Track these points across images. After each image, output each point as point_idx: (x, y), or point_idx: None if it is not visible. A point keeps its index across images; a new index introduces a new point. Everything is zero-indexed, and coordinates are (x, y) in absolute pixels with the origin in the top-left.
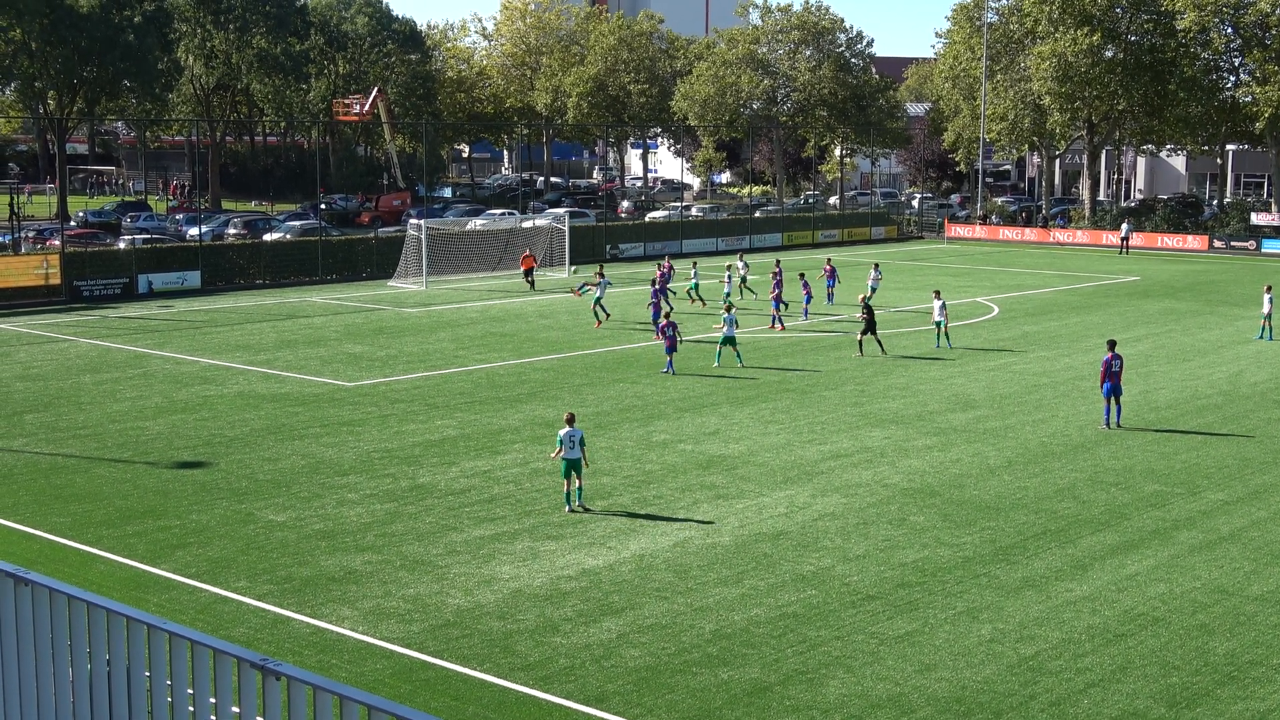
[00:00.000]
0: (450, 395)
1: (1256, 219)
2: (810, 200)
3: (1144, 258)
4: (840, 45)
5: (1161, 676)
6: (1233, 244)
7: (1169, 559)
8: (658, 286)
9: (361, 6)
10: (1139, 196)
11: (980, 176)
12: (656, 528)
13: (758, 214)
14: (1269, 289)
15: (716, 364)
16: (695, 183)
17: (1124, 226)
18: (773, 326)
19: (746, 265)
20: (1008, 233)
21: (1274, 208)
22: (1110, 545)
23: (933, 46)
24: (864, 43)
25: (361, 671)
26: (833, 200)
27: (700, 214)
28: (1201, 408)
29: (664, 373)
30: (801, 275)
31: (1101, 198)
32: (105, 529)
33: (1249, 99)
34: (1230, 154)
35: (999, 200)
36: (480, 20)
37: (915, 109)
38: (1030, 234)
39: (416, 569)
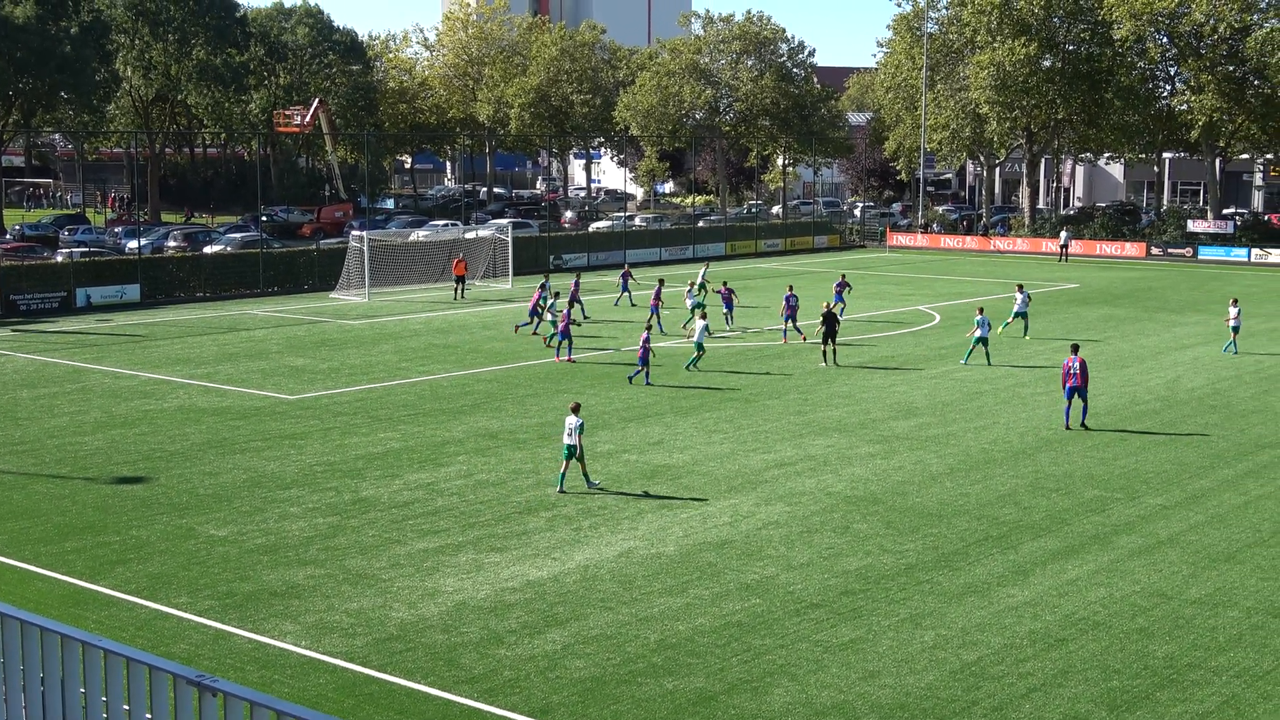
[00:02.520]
0: (393, 407)
1: (1193, 226)
2: (753, 210)
3: (1083, 265)
4: (782, 55)
5: (1102, 680)
6: (1170, 251)
7: (1109, 563)
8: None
9: (302, 17)
10: (1078, 204)
11: (921, 185)
12: (601, 538)
13: (701, 223)
14: (1235, 302)
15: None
16: (639, 193)
17: (1063, 234)
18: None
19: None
20: (949, 241)
21: (1210, 215)
22: (1051, 550)
23: (874, 56)
24: (806, 53)
25: (304, 687)
26: (776, 209)
27: (644, 224)
28: (1140, 413)
29: (631, 379)
30: (725, 284)
31: (1041, 206)
32: (43, 546)
33: (1184, 108)
34: (1167, 162)
35: (940, 209)
36: (422, 31)
37: (857, 118)
38: (971, 242)
39: (360, 583)
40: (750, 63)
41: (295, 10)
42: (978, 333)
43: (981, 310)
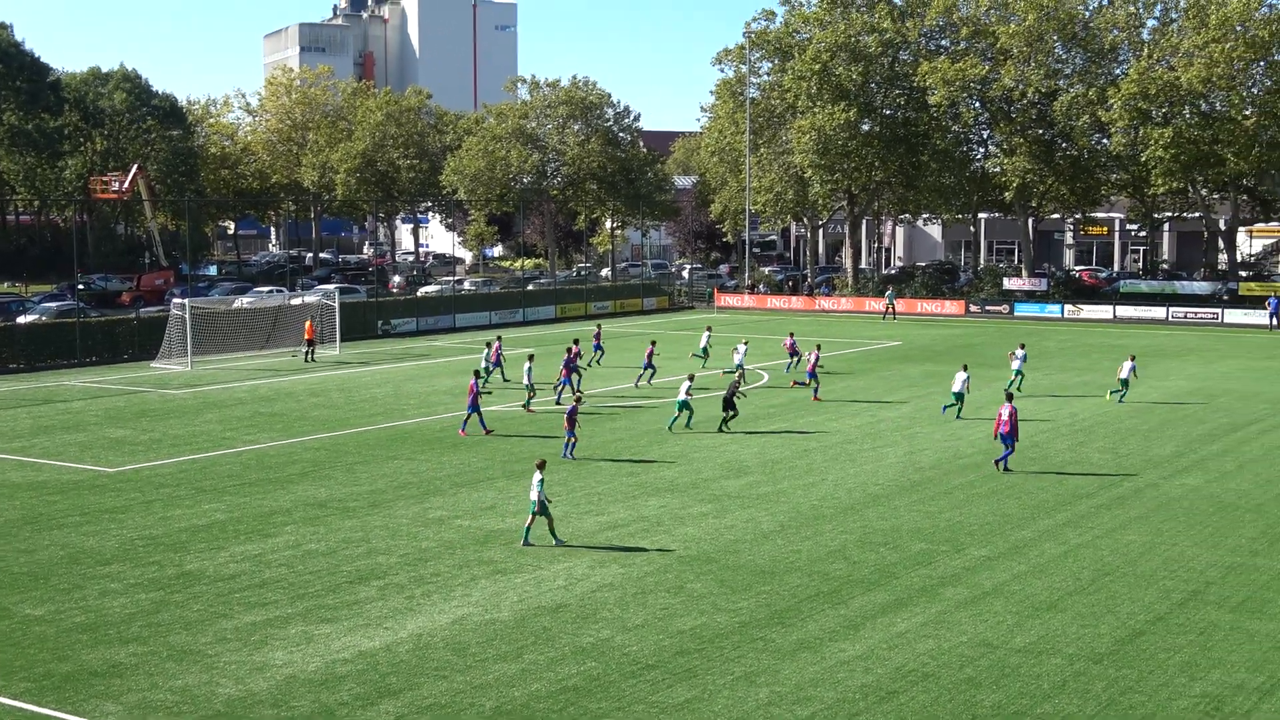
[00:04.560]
0: (218, 478)
1: (1008, 284)
2: (582, 272)
3: (905, 323)
4: (608, 119)
5: None
6: (987, 308)
7: (937, 615)
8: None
9: (119, 82)
10: (899, 264)
11: (747, 246)
12: (434, 606)
13: (531, 287)
14: (1133, 358)
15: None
16: (468, 256)
17: (888, 293)
18: (815, 398)
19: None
20: (775, 301)
21: (1024, 273)
22: (880, 604)
23: (698, 120)
24: (631, 117)
25: None
26: (605, 272)
27: (473, 288)
28: (963, 466)
29: (563, 457)
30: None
31: (863, 265)
32: None
33: (998, 169)
34: (982, 222)
35: (766, 269)
36: (244, 95)
37: (683, 181)
38: (797, 302)
39: (185, 659)
40: (577, 127)
41: (112, 75)
42: (956, 387)
43: (966, 367)
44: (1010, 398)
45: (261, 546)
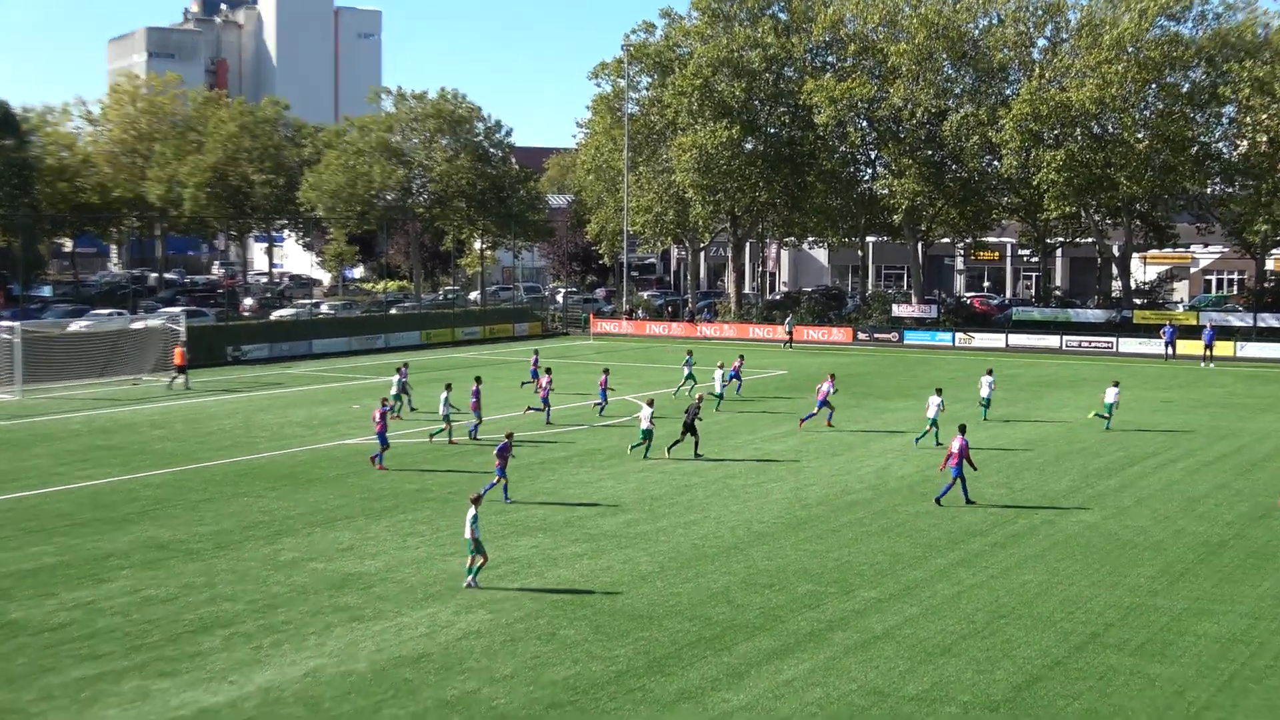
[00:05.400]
0: (47, 518)
1: (898, 310)
2: (450, 296)
3: (794, 351)
4: (478, 134)
5: None
6: (876, 335)
7: (825, 661)
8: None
9: None
10: (784, 288)
11: (625, 270)
12: (284, 657)
13: (394, 311)
14: (1116, 384)
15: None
16: (326, 278)
17: (788, 320)
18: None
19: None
20: (655, 327)
21: (914, 299)
22: (766, 650)
23: (574, 137)
24: (503, 132)
25: None
26: (474, 295)
27: (332, 311)
28: (852, 503)
29: (504, 499)
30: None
31: (747, 290)
32: None
33: (886, 191)
34: (870, 245)
35: (645, 294)
36: (85, 104)
37: (558, 200)
38: (677, 328)
39: (6, 718)
40: (445, 141)
41: None
42: (931, 413)
43: (939, 391)
44: (963, 429)
45: (94, 593)
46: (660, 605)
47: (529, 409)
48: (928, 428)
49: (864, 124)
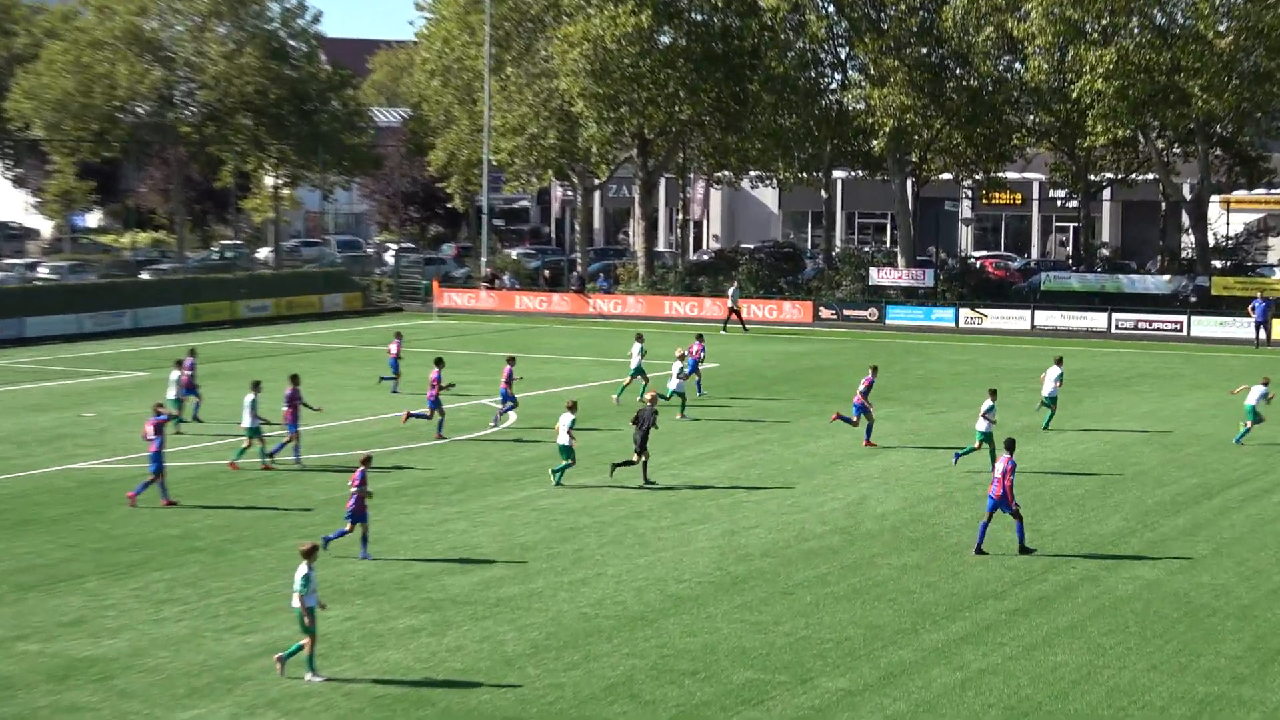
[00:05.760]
0: None
1: (877, 276)
2: (229, 255)
3: (729, 336)
4: (272, 21)
5: None
6: (846, 313)
7: None
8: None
9: None
10: (714, 245)
11: (485, 217)
12: None
13: (146, 275)
14: (1266, 381)
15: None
16: (47, 227)
17: (731, 291)
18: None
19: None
20: (528, 300)
21: (901, 261)
22: None
23: (412, 24)
24: (308, 16)
25: None
26: (263, 254)
27: (55, 277)
28: (810, 553)
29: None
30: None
31: (661, 248)
32: None
33: (861, 105)
34: (839, 184)
35: (514, 252)
36: None
37: (387, 117)
38: (561, 302)
39: None
40: (222, 30)
41: None
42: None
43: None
44: (1011, 446)
45: None
46: (534, 703)
47: (410, 415)
48: (975, 444)
49: (830, 9)
